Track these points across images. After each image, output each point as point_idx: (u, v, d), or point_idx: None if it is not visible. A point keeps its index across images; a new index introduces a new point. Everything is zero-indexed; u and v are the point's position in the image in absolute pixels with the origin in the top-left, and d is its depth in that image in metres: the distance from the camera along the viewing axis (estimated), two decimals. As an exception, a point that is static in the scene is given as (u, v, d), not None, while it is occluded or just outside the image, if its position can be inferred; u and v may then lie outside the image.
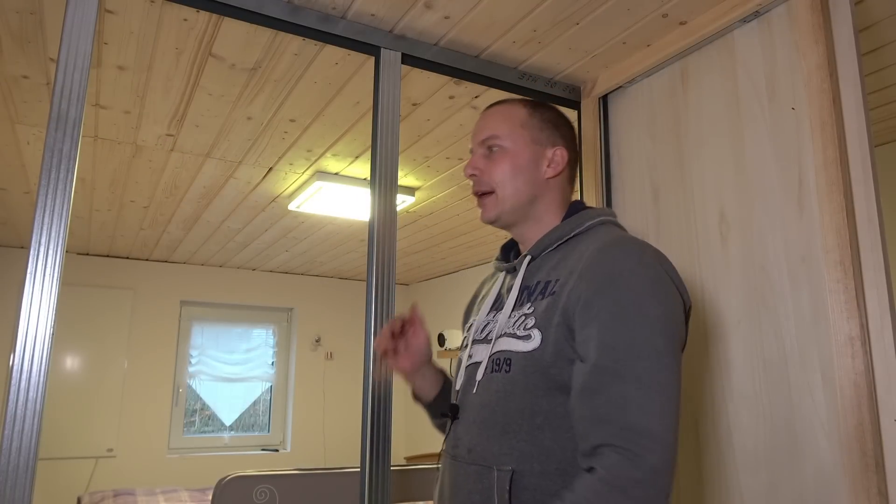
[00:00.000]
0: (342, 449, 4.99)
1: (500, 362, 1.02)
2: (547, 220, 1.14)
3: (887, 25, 1.59)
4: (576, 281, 0.97)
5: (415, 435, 5.11)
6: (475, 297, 1.31)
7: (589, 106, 1.85)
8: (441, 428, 1.26)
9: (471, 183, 1.16)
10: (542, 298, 1.02)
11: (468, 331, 1.18)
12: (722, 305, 1.44)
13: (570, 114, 1.92)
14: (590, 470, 0.88)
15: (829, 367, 1.22)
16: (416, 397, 1.27)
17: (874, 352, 1.15)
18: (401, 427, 5.22)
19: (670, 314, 0.93)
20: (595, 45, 1.66)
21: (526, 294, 1.07)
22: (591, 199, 1.80)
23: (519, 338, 1.01)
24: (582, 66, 1.76)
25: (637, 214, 1.71)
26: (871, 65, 1.77)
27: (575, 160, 1.20)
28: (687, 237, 1.55)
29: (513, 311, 1.07)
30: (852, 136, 1.22)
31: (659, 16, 1.52)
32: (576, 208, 1.14)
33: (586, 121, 1.86)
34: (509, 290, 1.12)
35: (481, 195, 1.14)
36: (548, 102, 1.23)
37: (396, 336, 1.22)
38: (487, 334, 1.10)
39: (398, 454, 5.10)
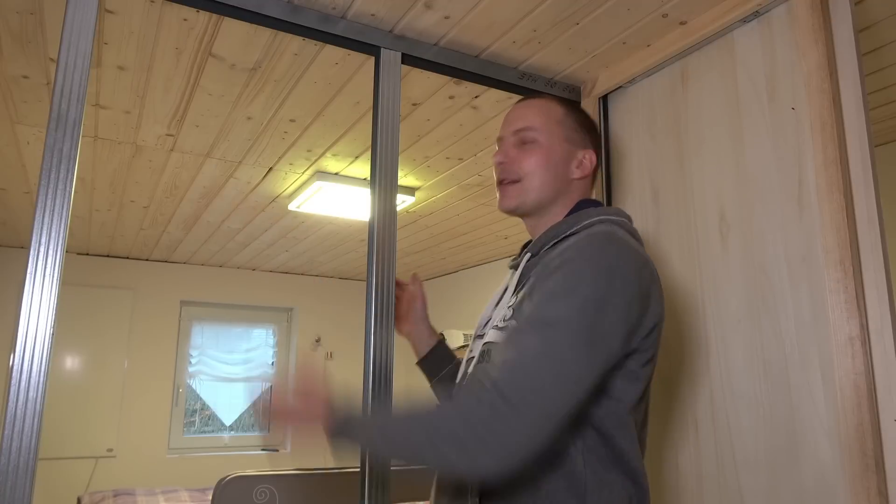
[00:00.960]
0: (342, 449, 4.98)
1: (485, 354, 1.05)
2: (558, 217, 1.15)
3: (887, 25, 1.59)
4: (541, 268, 1.00)
5: (415, 435, 5.11)
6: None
7: (589, 106, 1.85)
8: (435, 392, 1.33)
9: (495, 172, 1.17)
10: (522, 290, 1.05)
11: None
12: (722, 305, 1.44)
13: (570, 114, 1.91)
14: (457, 395, 0.93)
15: (829, 367, 1.22)
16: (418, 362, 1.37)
17: (874, 352, 1.15)
18: (401, 427, 5.21)
19: (603, 305, 0.91)
20: (595, 45, 1.66)
21: (522, 289, 1.09)
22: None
23: (500, 329, 1.04)
24: (582, 66, 1.76)
25: (637, 214, 1.71)
26: (871, 65, 1.77)
27: (599, 165, 1.22)
28: (687, 237, 1.55)
29: (505, 305, 1.10)
30: (852, 136, 1.22)
31: (659, 16, 1.52)
32: (580, 206, 1.14)
33: (586, 121, 1.86)
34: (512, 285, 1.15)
35: (503, 182, 1.14)
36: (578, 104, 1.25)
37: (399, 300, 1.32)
38: (485, 329, 1.14)
39: (398, 454, 5.10)
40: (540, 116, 1.15)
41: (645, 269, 0.99)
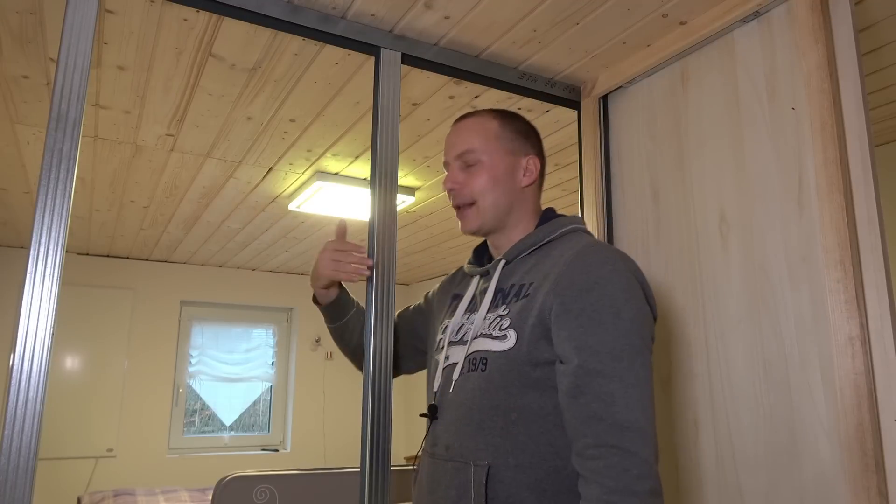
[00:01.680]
0: (342, 449, 4.99)
1: (476, 362, 1.06)
2: (522, 226, 1.18)
3: (887, 25, 1.59)
4: (552, 285, 1.02)
5: (415, 435, 5.11)
6: (442, 292, 1.34)
7: (589, 106, 1.85)
8: (335, 332, 1.40)
9: (450, 198, 1.20)
10: (517, 300, 1.06)
11: (443, 332, 1.21)
12: (722, 305, 1.44)
13: (570, 114, 1.92)
14: (589, 477, 0.92)
15: (829, 367, 1.22)
16: (317, 301, 1.41)
17: (874, 352, 1.15)
18: (401, 427, 5.22)
19: (641, 317, 0.99)
20: (595, 45, 1.66)
21: (500, 297, 1.11)
22: (591, 198, 1.80)
23: (494, 338, 1.05)
24: (582, 66, 1.76)
25: (637, 214, 1.71)
26: (871, 65, 1.77)
27: (544, 167, 1.25)
28: (687, 237, 1.55)
29: (488, 312, 1.10)
30: (852, 136, 1.22)
31: (659, 16, 1.52)
32: (548, 216, 1.19)
33: (586, 121, 1.86)
34: (483, 292, 1.15)
35: (461, 207, 1.18)
36: (515, 112, 1.27)
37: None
38: (463, 335, 1.13)
39: (398, 454, 5.10)
40: (477, 136, 1.18)
41: (637, 270, 1.06)
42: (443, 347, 1.18)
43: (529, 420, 0.99)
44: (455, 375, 1.10)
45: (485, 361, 1.05)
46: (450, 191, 1.18)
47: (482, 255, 1.28)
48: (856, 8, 1.42)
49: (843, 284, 1.18)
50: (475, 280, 1.21)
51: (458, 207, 1.19)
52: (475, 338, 1.09)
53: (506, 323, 1.05)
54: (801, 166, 1.31)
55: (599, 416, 0.92)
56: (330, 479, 1.99)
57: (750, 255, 1.39)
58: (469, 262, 1.28)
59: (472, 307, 1.16)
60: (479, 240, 1.33)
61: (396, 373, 1.45)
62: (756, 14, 1.42)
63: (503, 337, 1.04)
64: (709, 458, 1.43)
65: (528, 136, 1.21)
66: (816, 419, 1.23)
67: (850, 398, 1.15)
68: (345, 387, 5.10)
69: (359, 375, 5.08)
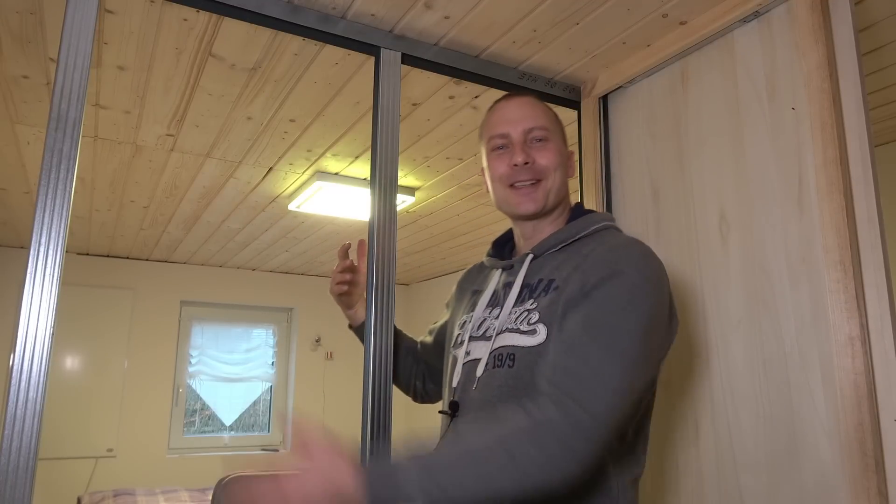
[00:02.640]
0: (342, 449, 4.98)
1: (503, 358, 1.02)
2: (559, 219, 1.15)
3: (887, 25, 1.59)
4: (579, 275, 0.99)
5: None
6: (460, 290, 1.31)
7: (589, 106, 1.85)
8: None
9: (509, 177, 1.12)
10: (545, 295, 1.03)
11: (462, 327, 1.17)
12: (722, 305, 1.44)
13: (570, 114, 1.92)
14: (528, 408, 0.87)
15: (829, 367, 1.22)
16: (353, 326, 1.43)
17: (874, 352, 1.15)
18: (401, 427, 5.21)
19: (658, 315, 0.96)
20: (595, 45, 1.66)
21: (527, 291, 1.07)
22: (591, 198, 1.80)
23: (523, 332, 1.01)
24: (582, 66, 1.76)
25: (637, 214, 1.71)
26: (871, 65, 1.77)
27: None
28: (687, 237, 1.55)
29: (514, 307, 1.06)
30: (852, 136, 1.22)
31: (659, 16, 1.52)
32: (580, 211, 1.16)
33: (586, 121, 1.86)
34: (507, 286, 1.11)
35: (530, 184, 1.11)
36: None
37: (348, 273, 1.36)
38: (486, 331, 1.09)
39: (398, 454, 5.09)
40: (546, 115, 1.15)
41: (665, 274, 1.04)
42: (462, 342, 1.13)
43: None
44: (479, 372, 1.05)
45: (512, 357, 1.00)
46: (523, 164, 1.10)
47: (503, 248, 1.24)
48: (856, 8, 1.42)
49: (843, 284, 1.18)
50: (497, 274, 1.17)
51: (515, 183, 1.11)
52: (500, 333, 1.05)
53: (535, 317, 1.01)
54: (801, 166, 1.31)
55: (571, 372, 0.89)
56: (330, 479, 1.98)
57: (750, 255, 1.39)
58: (489, 255, 1.23)
59: (495, 301, 1.12)
60: (496, 234, 1.30)
61: (428, 399, 1.44)
62: (756, 14, 1.42)
63: (532, 332, 1.00)
64: (709, 459, 1.43)
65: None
66: (816, 419, 1.23)
67: (850, 398, 1.15)
68: (345, 387, 5.10)
69: (359, 375, 5.08)
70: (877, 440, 1.11)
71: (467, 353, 1.11)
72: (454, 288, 1.34)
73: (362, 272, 1.41)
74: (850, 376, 1.15)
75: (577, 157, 1.20)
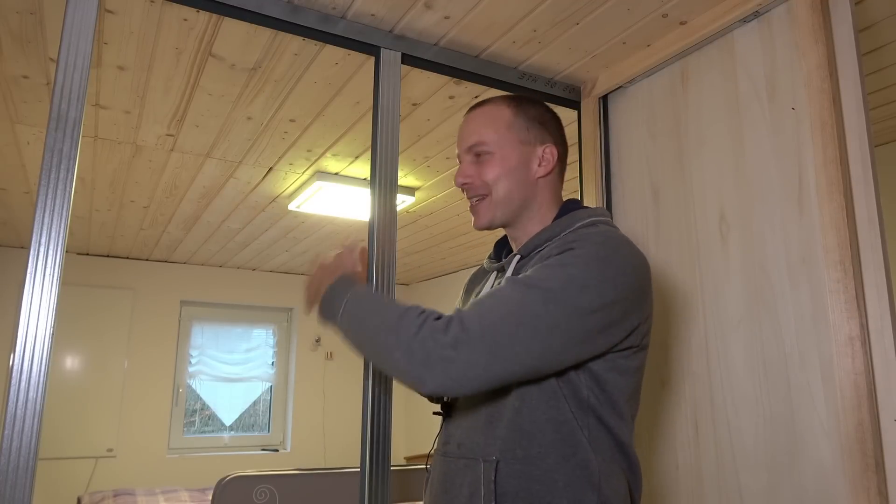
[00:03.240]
0: (342, 449, 4.99)
1: None
2: (539, 218, 1.15)
3: (887, 25, 1.59)
4: (542, 256, 1.02)
5: (415, 435, 5.11)
6: (465, 293, 1.33)
7: (589, 106, 1.85)
8: None
9: (463, 192, 1.18)
10: None
11: None
12: (722, 305, 1.44)
13: (570, 114, 1.92)
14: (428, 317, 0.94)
15: (829, 367, 1.22)
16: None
17: (874, 352, 1.15)
18: (401, 427, 5.22)
19: (593, 287, 0.94)
20: (595, 45, 1.66)
21: None
22: (591, 198, 1.80)
23: None
24: (582, 66, 1.76)
25: (637, 214, 1.71)
26: (871, 65, 1.77)
27: (565, 154, 1.19)
28: (687, 237, 1.55)
29: None
30: (852, 136, 1.22)
31: (659, 16, 1.52)
32: (568, 208, 1.15)
33: (586, 121, 1.86)
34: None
35: (475, 202, 1.15)
36: (534, 97, 1.21)
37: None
38: None
39: (398, 454, 5.10)
40: (488, 127, 1.13)
41: (644, 268, 1.03)
42: None
43: (532, 405, 0.98)
44: None
45: None
46: (462, 185, 1.15)
47: (502, 249, 1.25)
48: (856, 8, 1.42)
49: (843, 284, 1.18)
50: (492, 276, 1.19)
51: (472, 200, 1.16)
52: None
53: None
54: (801, 166, 1.31)
55: (476, 304, 0.94)
56: (330, 479, 1.99)
57: (750, 255, 1.39)
58: (489, 257, 1.25)
59: None
60: (495, 235, 1.31)
61: None
62: (756, 14, 1.42)
63: None
64: (708, 458, 1.43)
65: (545, 123, 1.16)
66: (816, 419, 1.23)
67: (850, 398, 1.15)
68: (345, 387, 5.09)
69: (359, 375, 5.08)
70: (877, 440, 1.11)
71: None
72: (461, 292, 1.36)
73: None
74: (850, 376, 1.15)
75: (558, 148, 1.17)
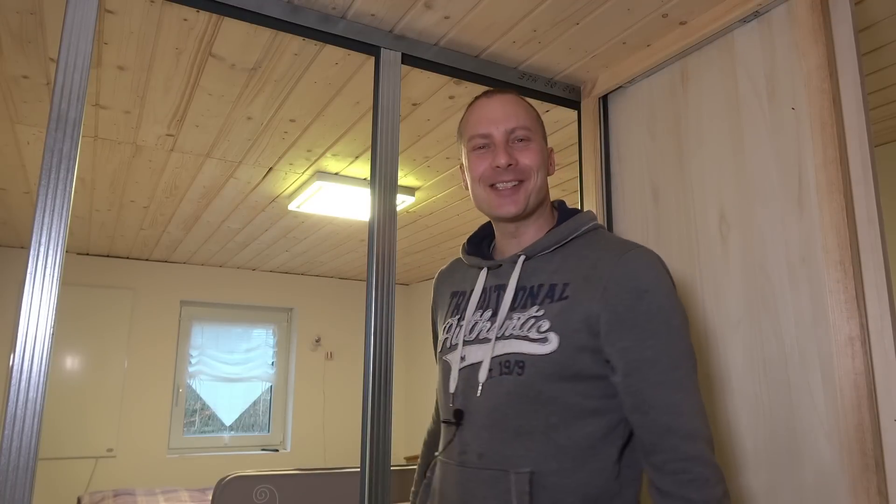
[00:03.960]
0: (342, 449, 4.99)
1: (511, 365, 1.01)
2: (546, 217, 1.13)
3: (887, 25, 1.59)
4: (599, 292, 0.99)
5: (415, 435, 5.11)
6: (438, 294, 1.26)
7: (589, 106, 1.85)
8: None
9: (486, 174, 1.09)
10: (552, 302, 1.01)
11: (449, 331, 1.14)
12: (722, 305, 1.44)
13: (570, 114, 1.92)
14: (671, 492, 0.93)
15: (829, 367, 1.22)
16: None
17: (874, 352, 1.15)
18: (401, 427, 5.22)
19: (685, 320, 1.00)
20: (595, 45, 1.66)
21: (526, 296, 1.05)
22: (591, 198, 1.80)
23: (532, 340, 1.00)
24: (582, 66, 1.76)
25: (637, 214, 1.71)
26: (871, 65, 1.77)
27: None
28: (687, 237, 1.55)
29: (511, 311, 1.05)
30: (852, 136, 1.22)
31: (659, 16, 1.52)
32: (565, 210, 1.15)
33: (586, 121, 1.86)
34: (498, 288, 1.09)
35: (512, 186, 1.08)
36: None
37: None
38: (478, 334, 1.07)
39: (398, 454, 5.10)
40: (528, 114, 1.12)
41: (667, 268, 1.08)
42: (454, 346, 1.10)
43: (569, 422, 0.97)
44: (481, 377, 1.03)
45: (521, 365, 0.99)
46: (506, 166, 1.07)
47: (479, 246, 1.20)
48: (856, 8, 1.42)
49: (843, 284, 1.18)
50: (482, 274, 1.13)
51: (497, 184, 1.08)
52: (503, 338, 1.03)
53: (545, 325, 1.00)
54: (801, 166, 1.31)
55: (671, 429, 0.94)
56: (330, 479, 1.99)
57: (750, 255, 1.39)
58: (467, 253, 1.18)
59: (484, 304, 1.10)
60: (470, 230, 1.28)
61: None
62: (756, 14, 1.42)
63: (543, 340, 0.99)
64: (709, 458, 1.43)
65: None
66: (816, 419, 1.23)
67: (850, 398, 1.15)
68: (345, 387, 5.10)
69: (359, 375, 5.09)
70: (877, 440, 1.11)
71: (462, 358, 1.08)
72: (433, 295, 1.29)
73: None
74: (850, 376, 1.15)
75: (555, 154, 1.18)
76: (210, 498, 3.48)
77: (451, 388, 1.08)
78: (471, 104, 1.16)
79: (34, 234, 1.12)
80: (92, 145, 2.37)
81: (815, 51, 1.27)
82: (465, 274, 1.19)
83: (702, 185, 1.53)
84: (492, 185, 1.09)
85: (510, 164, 1.07)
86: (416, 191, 2.92)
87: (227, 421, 4.79)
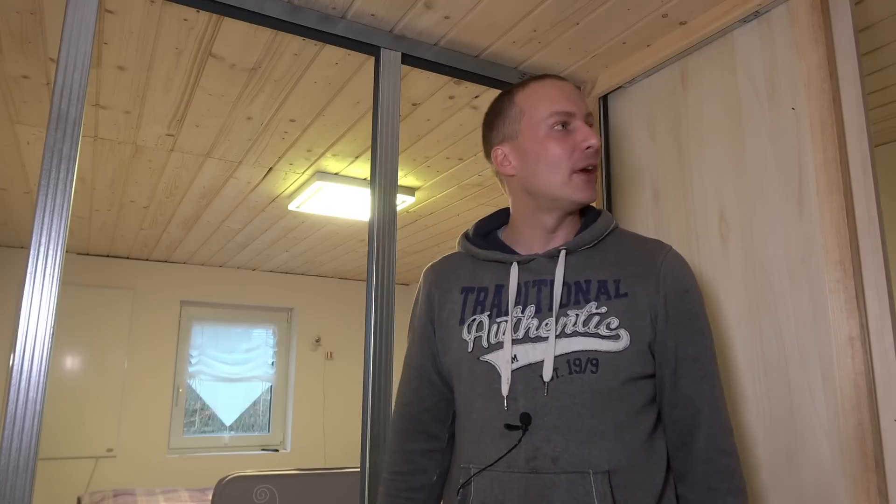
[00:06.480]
0: (342, 449, 4.99)
1: (583, 363, 0.97)
2: (575, 214, 1.10)
3: (887, 25, 1.59)
4: (653, 288, 1.03)
5: (415, 435, 5.10)
6: (441, 291, 1.13)
7: (589, 106, 1.85)
8: None
9: (581, 156, 1.04)
10: (610, 298, 1.00)
11: (478, 330, 1.05)
12: (722, 305, 1.44)
13: (570, 114, 1.91)
14: (699, 480, 0.99)
15: (829, 367, 1.22)
16: None
17: (874, 352, 1.15)
18: (401, 427, 5.21)
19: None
20: (595, 45, 1.66)
21: (576, 291, 1.02)
22: (591, 199, 1.80)
23: (604, 337, 0.98)
24: (582, 66, 1.76)
25: (637, 214, 1.71)
26: (871, 65, 1.77)
27: None
28: (687, 237, 1.55)
29: (571, 309, 1.00)
30: (852, 136, 1.22)
31: (659, 16, 1.52)
32: (591, 208, 1.14)
33: (586, 121, 1.86)
34: (538, 284, 1.03)
35: (593, 169, 1.05)
36: None
37: None
38: (527, 332, 1.01)
39: (398, 454, 5.09)
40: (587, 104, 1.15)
41: None
42: (494, 346, 1.02)
43: (633, 419, 0.99)
44: (546, 377, 0.97)
45: (594, 362, 0.97)
46: (597, 149, 1.04)
47: (492, 240, 1.14)
48: (856, 8, 1.42)
49: (843, 284, 1.18)
50: (511, 269, 1.05)
51: (586, 170, 1.04)
52: (566, 336, 0.99)
53: (614, 322, 0.98)
54: (801, 166, 1.31)
55: (709, 421, 1.00)
56: (330, 479, 1.99)
57: (750, 255, 1.39)
58: (480, 248, 1.11)
59: (524, 300, 1.03)
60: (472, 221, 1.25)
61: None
62: (756, 14, 1.42)
63: (615, 337, 0.98)
64: (709, 458, 1.43)
65: None
66: (816, 419, 1.23)
67: (850, 398, 1.15)
68: (345, 387, 5.10)
69: (359, 375, 5.08)
70: (877, 440, 1.11)
71: (514, 359, 1.01)
72: (426, 292, 1.16)
73: None
74: (850, 376, 1.15)
75: None
76: (210, 498, 3.48)
77: (505, 391, 1.00)
78: (535, 81, 1.08)
79: (34, 234, 1.12)
80: (92, 145, 2.37)
81: (815, 51, 1.27)
82: (476, 268, 1.11)
83: (702, 185, 1.53)
84: (581, 169, 1.03)
85: (597, 148, 1.04)
86: (416, 191, 2.92)
87: (227, 421, 4.79)
